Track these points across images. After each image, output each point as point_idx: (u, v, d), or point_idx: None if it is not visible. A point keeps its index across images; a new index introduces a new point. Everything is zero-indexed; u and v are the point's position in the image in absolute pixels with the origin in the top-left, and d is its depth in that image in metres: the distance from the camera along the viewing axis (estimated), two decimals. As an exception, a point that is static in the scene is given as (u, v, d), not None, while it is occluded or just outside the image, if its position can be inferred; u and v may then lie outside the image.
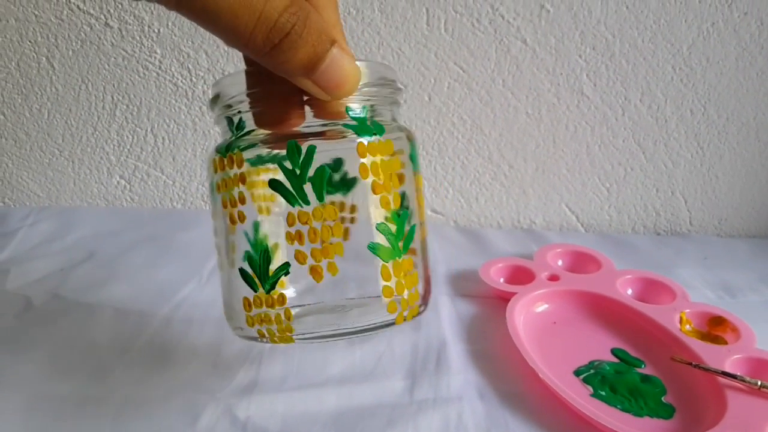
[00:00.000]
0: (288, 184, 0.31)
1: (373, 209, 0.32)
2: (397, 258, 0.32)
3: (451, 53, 0.65)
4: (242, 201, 0.32)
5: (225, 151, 0.33)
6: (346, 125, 0.32)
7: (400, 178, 0.33)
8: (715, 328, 0.48)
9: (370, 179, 0.31)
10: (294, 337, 0.32)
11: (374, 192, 0.32)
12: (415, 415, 0.39)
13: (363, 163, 0.31)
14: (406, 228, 0.33)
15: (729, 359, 0.43)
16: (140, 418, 0.39)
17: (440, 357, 0.45)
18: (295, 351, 0.45)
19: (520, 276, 0.56)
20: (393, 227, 0.32)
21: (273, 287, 0.32)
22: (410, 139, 0.36)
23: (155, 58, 0.66)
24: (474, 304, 0.53)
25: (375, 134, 0.32)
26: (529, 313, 0.51)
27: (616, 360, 0.45)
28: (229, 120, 0.34)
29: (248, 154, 0.32)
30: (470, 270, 0.58)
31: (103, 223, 0.69)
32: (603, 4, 0.63)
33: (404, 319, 0.33)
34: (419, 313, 0.35)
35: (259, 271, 0.32)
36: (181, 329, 0.48)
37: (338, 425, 0.38)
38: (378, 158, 0.32)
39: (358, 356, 0.45)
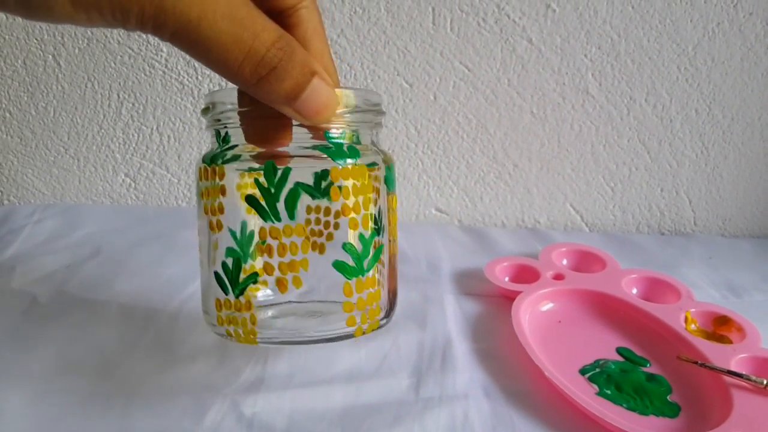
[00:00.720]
0: (263, 201, 0.34)
1: (345, 230, 0.35)
2: (360, 276, 0.35)
3: (457, 52, 0.65)
4: (221, 211, 0.36)
5: (210, 161, 0.36)
6: (322, 149, 0.35)
7: (373, 200, 0.36)
8: (720, 327, 0.48)
9: (340, 201, 0.34)
10: (258, 340, 0.36)
11: (344, 214, 0.35)
12: (421, 413, 0.39)
13: (334, 186, 0.34)
14: (372, 249, 0.36)
15: (734, 358, 0.43)
16: (146, 414, 0.39)
17: (446, 355, 0.45)
18: (301, 349, 0.45)
19: (525, 275, 0.56)
20: (359, 247, 0.35)
21: (242, 293, 0.35)
22: (387, 163, 0.38)
23: (161, 56, 0.66)
24: (479, 302, 0.53)
25: (349, 158, 0.35)
26: (535, 312, 0.51)
27: (621, 359, 0.45)
28: (217, 132, 0.37)
29: (241, 165, 0.35)
30: (475, 269, 0.58)
31: (108, 221, 0.69)
32: (609, 3, 0.63)
33: (362, 333, 0.37)
34: (379, 327, 0.40)
35: (231, 276, 0.35)
36: (188, 326, 0.48)
37: (344, 423, 0.38)
38: (350, 182, 0.34)
39: (364, 354, 0.45)
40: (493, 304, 0.53)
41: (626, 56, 0.65)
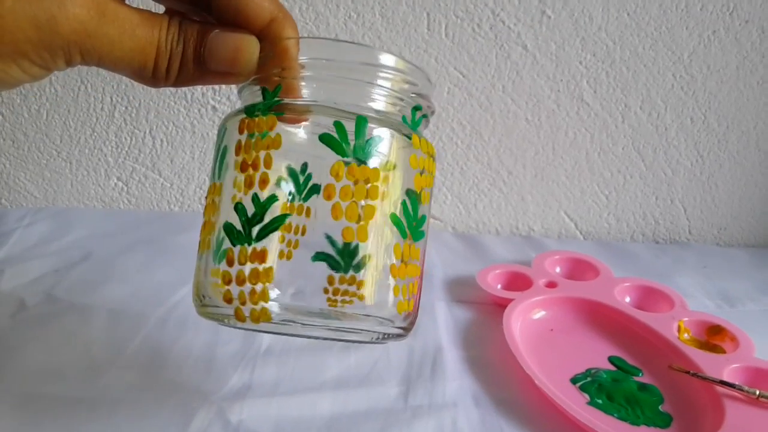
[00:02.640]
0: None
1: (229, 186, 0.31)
2: (244, 244, 0.30)
3: (452, 58, 0.65)
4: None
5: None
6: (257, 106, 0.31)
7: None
8: (713, 337, 0.48)
9: (240, 156, 0.31)
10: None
11: (239, 170, 0.30)
12: (409, 421, 0.39)
13: (239, 139, 0.31)
14: (268, 216, 0.30)
15: (727, 368, 0.42)
16: (132, 420, 0.38)
17: (436, 363, 0.45)
18: (289, 355, 0.45)
19: (518, 282, 0.55)
20: (250, 210, 0.30)
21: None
22: (357, 121, 0.33)
23: (154, 59, 0.66)
24: (471, 310, 0.53)
25: (259, 112, 0.31)
26: (526, 320, 0.50)
27: (613, 368, 0.45)
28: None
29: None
30: (467, 276, 0.58)
31: (99, 225, 0.68)
32: (604, 10, 0.63)
33: (245, 318, 0.30)
34: (272, 321, 0.31)
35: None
36: (176, 332, 0.48)
37: (332, 430, 0.38)
38: (254, 135, 0.30)
39: (353, 361, 0.45)
40: (485, 311, 0.53)
41: (621, 63, 0.65)
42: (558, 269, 0.59)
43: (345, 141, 0.30)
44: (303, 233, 0.32)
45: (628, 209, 0.72)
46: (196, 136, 0.69)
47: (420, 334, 0.48)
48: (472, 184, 0.70)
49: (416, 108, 0.34)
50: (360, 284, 0.31)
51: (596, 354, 0.47)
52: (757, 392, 0.39)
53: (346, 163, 0.30)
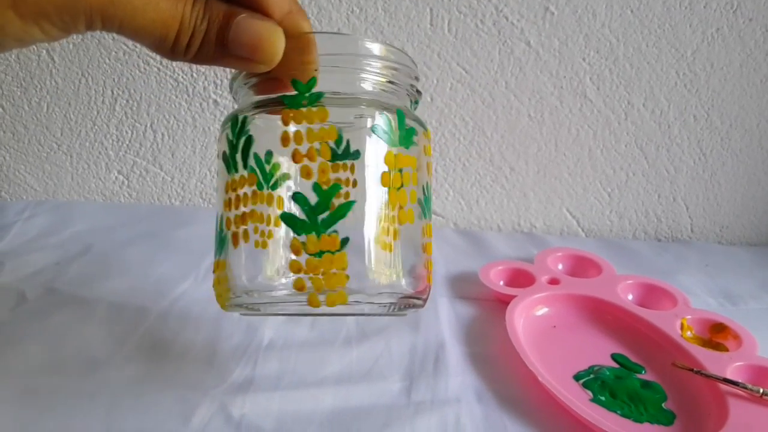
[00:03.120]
0: (228, 154, 0.33)
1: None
2: (312, 233, 0.31)
3: (454, 54, 0.64)
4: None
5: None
6: (282, 97, 0.31)
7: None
8: (716, 335, 0.47)
9: (291, 147, 0.31)
10: (227, 305, 0.33)
11: (294, 160, 0.31)
12: (412, 416, 0.39)
13: (285, 130, 0.31)
14: (335, 204, 0.31)
15: (730, 366, 0.42)
16: (133, 414, 0.38)
17: (438, 359, 0.45)
18: (291, 350, 0.45)
19: (520, 279, 0.55)
20: (313, 199, 0.31)
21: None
22: (396, 114, 0.34)
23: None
24: (473, 306, 0.53)
25: (306, 101, 0.31)
26: (529, 317, 0.50)
27: (616, 365, 0.45)
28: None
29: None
30: (470, 272, 0.58)
31: (100, 219, 0.68)
32: (608, 7, 0.63)
33: (320, 304, 0.31)
34: (349, 303, 0.32)
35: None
36: (177, 326, 0.48)
37: (333, 425, 0.38)
38: (304, 125, 0.31)
39: (355, 357, 0.45)
40: (487, 308, 0.53)
41: (625, 60, 0.65)
42: (560, 266, 0.59)
43: (393, 132, 0.32)
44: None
45: (630, 207, 0.72)
46: (198, 130, 0.69)
47: (422, 329, 0.48)
48: (474, 180, 0.70)
49: (415, 100, 0.36)
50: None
51: (599, 351, 0.47)
52: (761, 390, 0.39)
53: (395, 153, 0.32)
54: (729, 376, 0.41)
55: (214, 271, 0.35)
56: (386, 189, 0.32)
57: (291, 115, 0.31)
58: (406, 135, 0.33)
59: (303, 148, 0.31)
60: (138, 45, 0.64)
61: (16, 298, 0.50)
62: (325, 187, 0.31)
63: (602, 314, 0.51)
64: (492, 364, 0.45)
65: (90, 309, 0.49)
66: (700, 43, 0.64)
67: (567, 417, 0.39)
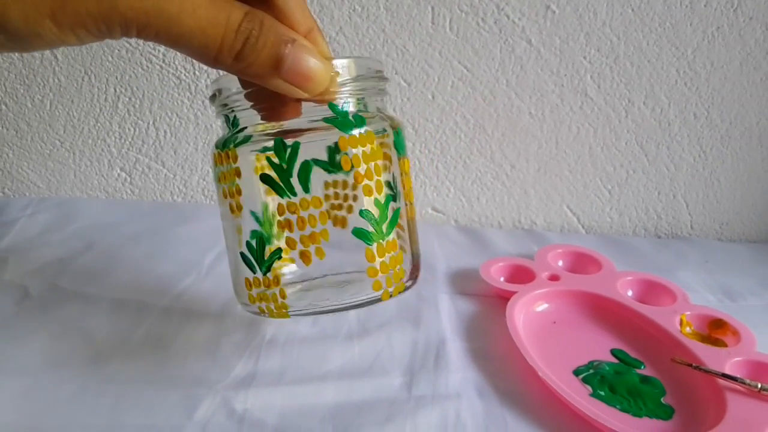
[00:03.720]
0: (276, 178, 0.34)
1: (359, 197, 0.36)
2: (380, 241, 0.36)
3: (456, 52, 0.65)
4: (239, 193, 0.36)
5: (222, 146, 0.36)
6: (327, 120, 0.34)
7: (384, 166, 0.36)
8: (715, 330, 0.48)
9: (352, 170, 0.35)
10: (289, 313, 0.36)
11: (356, 182, 0.35)
12: (413, 411, 0.39)
13: (344, 155, 0.34)
14: (389, 213, 0.36)
15: (729, 362, 0.43)
16: (137, 409, 0.39)
17: (439, 354, 0.45)
18: (293, 345, 0.45)
19: (521, 275, 0.55)
20: (376, 212, 0.35)
21: (269, 270, 0.36)
22: (394, 127, 0.38)
23: (159, 51, 0.66)
24: (474, 302, 0.53)
25: (356, 127, 0.35)
26: (529, 313, 0.50)
27: (615, 360, 0.45)
28: (226, 117, 0.37)
29: (254, 147, 0.35)
30: (471, 269, 0.58)
31: (102, 215, 0.68)
32: (609, 6, 0.63)
33: (390, 296, 0.37)
34: (406, 289, 0.38)
35: (257, 255, 0.36)
36: (180, 321, 0.48)
37: (336, 420, 0.38)
38: (359, 150, 0.35)
39: (356, 352, 0.45)
40: (488, 304, 0.53)
41: (625, 59, 0.65)
42: (561, 263, 0.59)
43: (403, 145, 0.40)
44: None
45: (630, 204, 0.72)
46: (200, 128, 0.69)
47: (423, 325, 0.49)
48: (475, 177, 0.71)
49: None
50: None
51: (599, 346, 0.47)
52: (759, 385, 0.39)
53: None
54: (727, 371, 0.41)
55: (265, 286, 0.37)
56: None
57: (347, 140, 0.34)
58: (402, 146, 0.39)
59: (362, 170, 0.35)
60: (141, 43, 0.65)
61: (20, 294, 0.51)
62: (382, 201, 0.36)
63: (602, 310, 0.51)
64: (492, 360, 0.45)
65: (93, 305, 0.50)
66: (700, 41, 0.64)
67: (567, 412, 0.39)
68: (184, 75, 0.67)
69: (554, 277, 0.54)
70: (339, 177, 0.38)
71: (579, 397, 0.39)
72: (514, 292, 0.51)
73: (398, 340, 0.47)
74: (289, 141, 0.34)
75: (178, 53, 0.64)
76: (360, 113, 0.36)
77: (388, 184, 0.37)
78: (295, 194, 0.34)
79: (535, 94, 0.67)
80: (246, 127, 0.36)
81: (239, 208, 0.36)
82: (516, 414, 0.40)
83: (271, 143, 0.34)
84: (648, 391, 0.42)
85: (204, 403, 0.39)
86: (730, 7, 0.63)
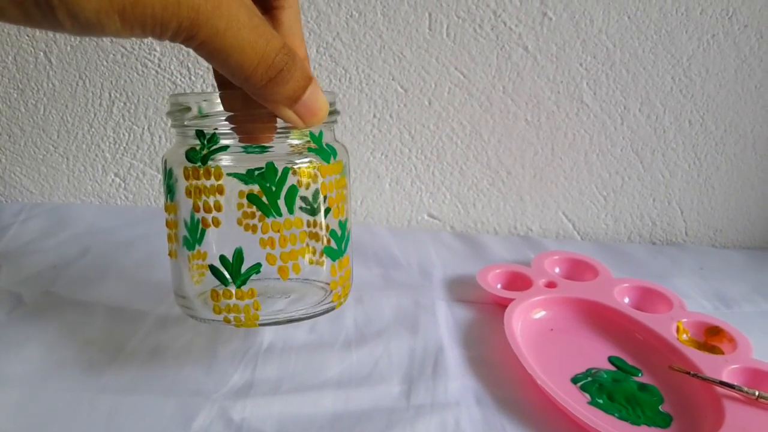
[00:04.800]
0: (265, 199, 0.36)
1: (327, 220, 0.40)
2: (340, 258, 0.40)
3: (453, 58, 0.65)
4: (218, 209, 0.37)
5: (201, 161, 0.37)
6: (311, 150, 0.38)
7: (345, 192, 0.41)
8: (712, 338, 0.48)
9: (327, 195, 0.39)
10: (258, 323, 0.38)
11: (329, 204, 0.39)
12: (412, 420, 0.39)
13: (323, 182, 0.38)
14: (347, 232, 0.41)
15: (726, 369, 0.43)
16: (133, 419, 0.38)
17: (437, 362, 0.45)
18: (291, 353, 0.45)
19: (518, 282, 0.55)
20: (339, 232, 0.40)
21: (244, 283, 0.38)
22: (347, 155, 0.42)
23: (154, 55, 0.66)
24: (471, 309, 0.53)
25: (331, 156, 0.39)
26: (527, 320, 0.50)
27: (613, 368, 0.45)
28: (200, 133, 0.37)
29: (238, 167, 0.37)
30: (467, 276, 0.58)
31: (96, 221, 0.68)
32: (605, 13, 0.63)
33: (341, 304, 0.42)
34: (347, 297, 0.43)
35: (232, 269, 0.37)
36: (177, 329, 0.48)
37: (334, 429, 0.38)
38: (333, 177, 0.39)
39: (354, 360, 0.45)
40: (485, 311, 0.53)
41: (621, 66, 0.65)
42: (557, 269, 0.59)
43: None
44: None
45: (625, 210, 0.72)
46: (195, 133, 0.69)
47: (421, 333, 0.49)
48: (471, 183, 0.71)
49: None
50: None
51: (596, 354, 0.47)
52: (757, 393, 0.39)
53: None
54: (725, 378, 0.41)
55: (238, 297, 0.38)
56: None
57: (327, 168, 0.38)
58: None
59: (333, 195, 0.39)
60: (136, 47, 0.65)
61: (14, 301, 0.50)
62: (343, 222, 0.40)
63: (599, 317, 0.51)
64: (490, 367, 0.45)
65: (88, 312, 0.49)
66: (695, 49, 0.65)
67: (565, 420, 0.39)
68: (180, 80, 0.66)
69: (551, 284, 0.54)
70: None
71: (577, 404, 0.39)
72: (512, 299, 0.51)
73: (396, 347, 0.46)
74: (279, 166, 0.36)
75: (174, 59, 0.64)
76: (329, 144, 0.40)
77: (346, 207, 0.41)
78: (280, 215, 0.37)
79: (531, 100, 0.67)
80: (228, 146, 0.37)
81: (216, 223, 0.37)
82: (514, 422, 0.39)
83: (253, 165, 0.36)
84: (646, 399, 0.42)
85: (201, 413, 0.39)
86: (725, 14, 0.63)
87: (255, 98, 0.32)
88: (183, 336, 0.47)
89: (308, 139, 0.39)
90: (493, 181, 0.70)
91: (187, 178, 0.37)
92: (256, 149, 0.38)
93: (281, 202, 0.37)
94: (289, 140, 0.38)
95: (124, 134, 0.70)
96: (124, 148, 0.70)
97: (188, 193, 0.37)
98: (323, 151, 0.39)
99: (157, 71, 0.66)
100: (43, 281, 0.54)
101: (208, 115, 0.37)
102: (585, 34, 0.64)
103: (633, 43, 0.64)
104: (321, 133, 0.39)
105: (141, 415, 0.38)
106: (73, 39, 0.65)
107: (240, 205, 0.38)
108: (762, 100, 0.66)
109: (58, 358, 0.44)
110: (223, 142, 0.37)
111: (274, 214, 0.37)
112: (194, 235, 0.39)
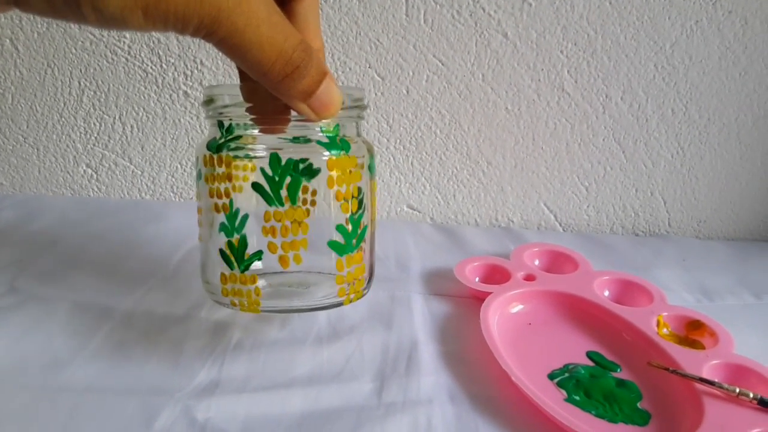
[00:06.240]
0: (268, 188, 0.37)
1: (334, 212, 0.40)
2: (350, 253, 0.40)
3: (430, 45, 0.63)
4: (227, 195, 0.39)
5: (216, 150, 0.39)
6: (320, 143, 0.39)
7: (360, 187, 0.41)
8: (692, 332, 0.47)
9: (335, 188, 0.39)
10: (261, 309, 0.40)
11: (337, 199, 0.39)
12: (383, 418, 0.38)
13: (330, 175, 0.38)
14: (359, 229, 0.41)
15: (707, 365, 0.42)
16: (94, 417, 0.37)
17: (411, 358, 0.44)
18: (260, 350, 0.44)
19: (496, 275, 0.54)
20: (349, 228, 0.40)
21: (247, 269, 0.39)
22: (370, 152, 0.43)
23: (124, 42, 0.64)
24: (448, 303, 0.52)
25: (342, 150, 0.39)
26: (504, 314, 0.49)
27: (591, 363, 0.44)
28: (220, 123, 0.40)
29: (248, 156, 0.39)
30: (445, 268, 0.57)
31: (67, 213, 0.66)
32: (586, -1, 0.62)
33: (350, 301, 0.42)
34: (363, 296, 0.43)
35: (237, 254, 0.39)
36: (143, 325, 0.46)
37: (302, 428, 0.37)
38: (342, 171, 0.39)
39: (326, 357, 0.44)
40: (462, 305, 0.52)
41: (603, 53, 0.64)
42: (537, 262, 0.58)
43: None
44: None
45: (607, 201, 0.71)
46: (168, 122, 0.67)
47: (395, 328, 0.47)
48: (451, 174, 0.69)
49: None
50: None
51: (574, 349, 0.46)
52: (737, 390, 0.38)
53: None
54: (705, 374, 0.40)
55: (241, 283, 0.39)
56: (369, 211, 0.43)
57: (335, 161, 0.38)
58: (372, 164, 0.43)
59: (343, 189, 0.39)
60: (105, 34, 0.63)
61: (-23, 296, 0.49)
62: (356, 218, 0.40)
63: (578, 311, 0.50)
64: (466, 364, 0.44)
65: (53, 307, 0.48)
66: (678, 35, 0.63)
67: (541, 417, 0.38)
68: (151, 68, 0.65)
69: (530, 277, 0.53)
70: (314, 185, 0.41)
71: (552, 402, 0.38)
72: (489, 293, 0.50)
73: (369, 343, 0.45)
74: (283, 156, 0.37)
75: (145, 46, 0.63)
76: (345, 138, 0.40)
77: (361, 203, 0.41)
78: (282, 204, 0.38)
79: (511, 89, 0.65)
80: (240, 136, 0.39)
81: (225, 208, 0.39)
82: (488, 420, 0.38)
83: (261, 154, 0.38)
84: (624, 396, 0.41)
85: (164, 413, 0.37)
86: (709, 0, 0.62)
87: (272, 92, 0.32)
88: (149, 332, 0.45)
89: (333, 131, 0.40)
90: (473, 171, 0.69)
91: (205, 165, 0.40)
92: (292, 139, 0.39)
93: (283, 192, 0.38)
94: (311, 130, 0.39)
95: (94, 124, 0.68)
96: (96, 138, 0.68)
97: (206, 180, 0.40)
98: (334, 145, 0.39)
99: (127, 59, 0.64)
100: (8, 275, 0.52)
101: (228, 106, 0.39)
102: (566, 20, 0.62)
103: (615, 29, 0.63)
104: (337, 126, 0.40)
105: (101, 414, 0.37)
106: (40, 26, 0.63)
107: None
108: (746, 88, 0.65)
109: (18, 356, 0.42)
110: (246, 132, 0.39)
111: (276, 203, 0.38)
112: (208, 220, 0.41)
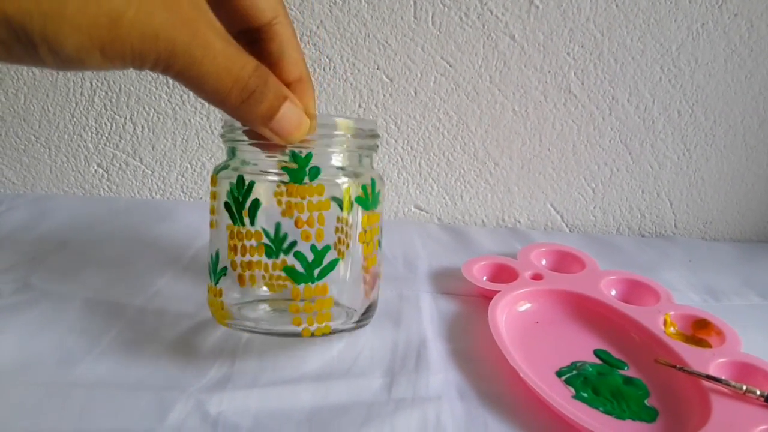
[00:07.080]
0: (233, 207, 0.40)
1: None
2: (309, 283, 0.39)
3: (438, 47, 0.64)
4: (212, 212, 0.42)
5: (215, 170, 0.42)
6: (284, 169, 0.39)
7: (325, 216, 0.40)
8: (699, 331, 0.47)
9: (295, 215, 0.38)
10: (228, 323, 0.42)
11: (296, 226, 0.39)
12: (392, 414, 0.38)
13: (288, 200, 0.38)
14: (326, 260, 0.39)
15: (713, 363, 0.42)
16: (107, 412, 0.37)
17: (420, 355, 0.44)
18: (271, 346, 0.44)
19: (504, 274, 0.55)
20: (310, 257, 0.39)
21: (217, 282, 0.42)
22: (374, 185, 0.42)
23: (136, 44, 0.65)
24: (456, 302, 0.52)
25: (307, 178, 0.39)
26: (512, 312, 0.50)
27: (598, 361, 0.45)
28: (229, 148, 0.42)
29: (230, 176, 0.41)
30: (453, 267, 0.57)
31: (78, 212, 0.67)
32: (592, 1, 0.62)
33: (311, 334, 0.40)
34: (332, 332, 0.41)
35: (212, 268, 0.42)
36: (155, 322, 0.47)
37: (312, 423, 0.37)
38: (306, 199, 0.38)
39: (335, 353, 0.44)
40: (470, 303, 0.52)
41: (609, 55, 0.64)
42: (544, 261, 0.59)
43: (368, 198, 0.43)
44: None
45: (614, 202, 0.71)
46: (178, 123, 0.68)
47: (404, 326, 0.48)
48: (459, 175, 0.70)
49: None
50: None
51: (582, 347, 0.46)
52: (744, 387, 0.39)
53: (368, 215, 0.43)
54: (712, 372, 0.41)
55: (213, 294, 0.42)
56: (361, 245, 0.42)
57: (295, 189, 0.38)
58: (375, 198, 0.42)
59: (304, 217, 0.38)
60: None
61: (-9, 293, 0.49)
62: (320, 248, 0.39)
63: (585, 310, 0.51)
64: (474, 361, 0.44)
65: (65, 305, 0.48)
66: (685, 38, 0.64)
67: (549, 414, 0.38)
68: (162, 69, 0.65)
69: (537, 276, 0.54)
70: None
71: (561, 399, 0.39)
72: (497, 292, 0.50)
73: (378, 340, 0.46)
74: (247, 178, 0.39)
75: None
76: (317, 166, 0.39)
77: (334, 234, 0.42)
78: (243, 225, 0.39)
79: (518, 90, 0.66)
80: (236, 158, 0.41)
81: (211, 224, 0.42)
82: (497, 416, 0.39)
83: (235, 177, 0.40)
84: (631, 393, 0.41)
85: (177, 407, 0.38)
86: (715, 3, 0.62)
87: (234, 118, 0.33)
88: (161, 329, 0.46)
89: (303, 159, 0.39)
90: (481, 172, 0.70)
91: (211, 184, 0.43)
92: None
93: (245, 213, 0.39)
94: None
95: (106, 124, 0.68)
96: (107, 138, 0.69)
97: (211, 198, 0.43)
98: (297, 172, 0.39)
99: (138, 60, 0.65)
100: (21, 273, 0.53)
101: (234, 129, 0.40)
102: (572, 22, 0.63)
103: (621, 32, 0.63)
104: (309, 154, 0.39)
105: (114, 408, 0.38)
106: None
107: None
108: (752, 90, 0.66)
109: (32, 351, 0.43)
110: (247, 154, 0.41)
111: (239, 222, 0.39)
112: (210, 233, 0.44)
